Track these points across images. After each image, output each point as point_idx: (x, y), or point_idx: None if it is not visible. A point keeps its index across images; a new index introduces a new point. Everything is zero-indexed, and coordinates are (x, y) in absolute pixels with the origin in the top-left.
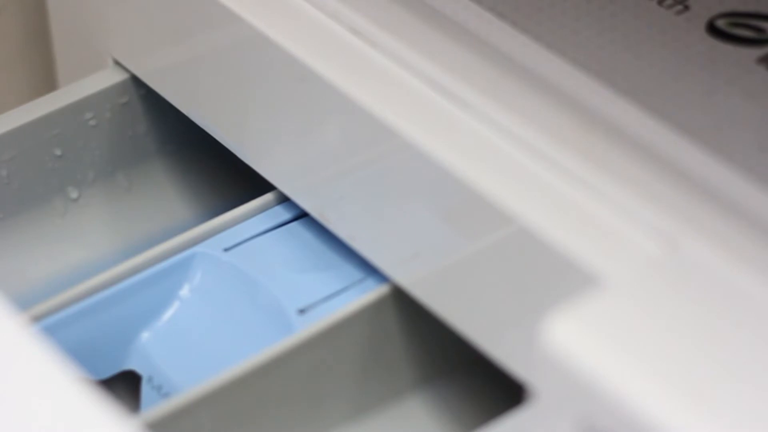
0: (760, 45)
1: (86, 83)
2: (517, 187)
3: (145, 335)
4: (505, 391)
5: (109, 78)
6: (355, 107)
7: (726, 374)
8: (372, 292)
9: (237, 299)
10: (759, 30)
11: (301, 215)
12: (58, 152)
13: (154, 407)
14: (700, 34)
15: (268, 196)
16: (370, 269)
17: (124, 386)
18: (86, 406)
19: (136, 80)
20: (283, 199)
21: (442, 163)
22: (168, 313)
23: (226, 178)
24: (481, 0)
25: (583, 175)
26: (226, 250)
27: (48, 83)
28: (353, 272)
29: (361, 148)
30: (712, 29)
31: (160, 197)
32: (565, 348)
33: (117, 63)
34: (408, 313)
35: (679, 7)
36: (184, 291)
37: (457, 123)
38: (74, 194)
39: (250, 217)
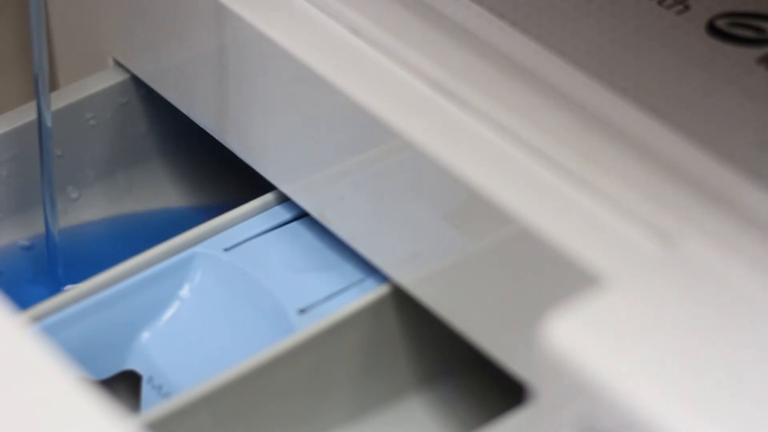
0: (760, 45)
1: (86, 83)
2: (517, 186)
3: (145, 335)
4: (505, 391)
5: (109, 78)
6: (355, 107)
7: (726, 373)
8: (372, 292)
9: (237, 299)
10: (759, 30)
11: (301, 215)
12: (58, 152)
13: (154, 407)
14: (700, 34)
15: (268, 196)
16: (370, 269)
17: (124, 386)
18: (86, 406)
19: (136, 80)
20: (283, 199)
21: (442, 163)
22: (168, 313)
23: (227, 178)
24: (481, 0)
25: (583, 175)
26: (226, 250)
27: (48, 83)
28: (353, 272)
29: (361, 148)
30: (712, 29)
31: (160, 197)
32: (565, 348)
33: (117, 63)
34: (408, 313)
35: (679, 7)
36: (184, 291)
37: (457, 123)
38: (74, 194)
39: (250, 217)
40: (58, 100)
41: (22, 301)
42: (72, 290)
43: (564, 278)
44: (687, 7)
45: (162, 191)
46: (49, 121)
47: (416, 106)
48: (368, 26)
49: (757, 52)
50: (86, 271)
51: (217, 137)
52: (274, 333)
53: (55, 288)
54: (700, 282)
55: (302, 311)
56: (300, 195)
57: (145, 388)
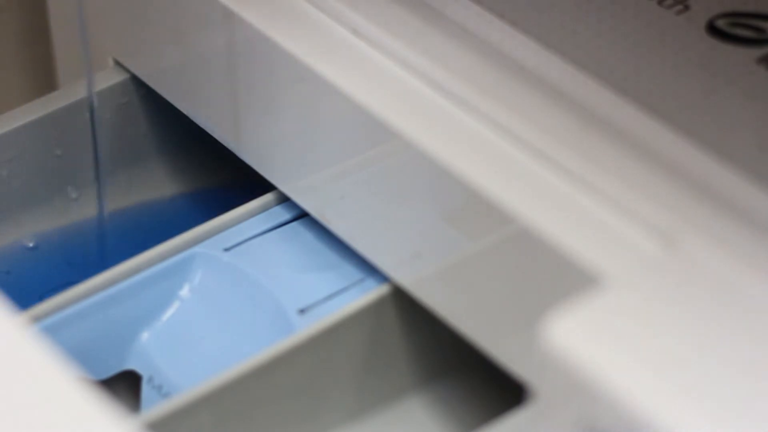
0: (760, 45)
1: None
2: (517, 186)
3: (145, 335)
4: (505, 391)
5: (109, 78)
6: (355, 107)
7: (727, 373)
8: (372, 292)
9: (237, 299)
10: (759, 30)
11: (301, 215)
12: (58, 152)
13: (155, 407)
14: (700, 34)
15: (268, 196)
16: (370, 269)
17: (124, 386)
18: (86, 406)
19: (136, 80)
20: (283, 199)
21: (442, 163)
22: (168, 313)
23: (227, 178)
24: (481, 0)
25: (583, 175)
26: (226, 250)
27: (48, 83)
28: (353, 272)
29: (361, 148)
30: (712, 29)
31: (160, 197)
32: (565, 348)
33: (117, 63)
34: (408, 313)
35: (679, 7)
36: (184, 291)
37: (457, 123)
38: (74, 194)
39: (250, 217)
40: (58, 100)
41: (28, 301)
42: (72, 290)
43: (564, 278)
44: (687, 7)
45: (162, 191)
46: (95, 101)
47: (416, 106)
48: (368, 26)
49: (757, 52)
50: (88, 270)
51: (217, 137)
52: (274, 333)
53: (102, 267)
54: (700, 282)
55: (302, 311)
56: (300, 195)
57: (146, 388)
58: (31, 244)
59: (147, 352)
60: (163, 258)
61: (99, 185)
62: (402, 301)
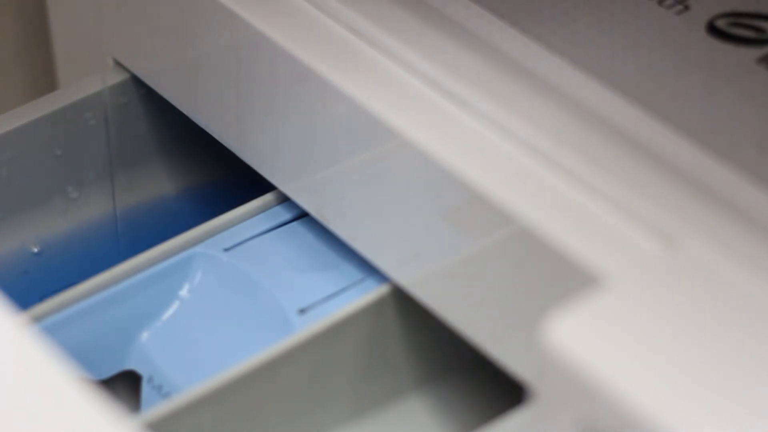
0: (760, 45)
1: (86, 83)
2: (517, 187)
3: (144, 335)
4: (505, 391)
5: (109, 78)
6: (355, 107)
7: (727, 374)
8: (372, 292)
9: (237, 299)
10: (759, 30)
11: (301, 215)
12: (58, 152)
13: (155, 407)
14: (700, 34)
15: (268, 196)
16: (370, 269)
17: (124, 386)
18: (86, 406)
19: (136, 80)
20: (283, 199)
21: (443, 163)
22: (168, 313)
23: (227, 178)
24: (481, 0)
25: (583, 175)
26: (226, 250)
27: (48, 83)
28: (353, 272)
29: (361, 148)
30: (712, 29)
31: (159, 196)
32: (566, 348)
33: (117, 63)
34: (408, 313)
35: (679, 7)
36: (184, 291)
37: (457, 123)
38: (74, 194)
39: (250, 217)
40: (58, 100)
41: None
42: (72, 290)
43: (564, 278)
44: (687, 7)
45: (163, 190)
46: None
47: (416, 106)
48: (368, 26)
49: (757, 52)
50: (89, 269)
51: (217, 137)
52: (274, 333)
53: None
54: (700, 282)
55: (302, 311)
56: (300, 195)
57: (146, 388)
58: (36, 249)
59: (147, 352)
60: (163, 258)
61: (113, 185)
62: (402, 301)
